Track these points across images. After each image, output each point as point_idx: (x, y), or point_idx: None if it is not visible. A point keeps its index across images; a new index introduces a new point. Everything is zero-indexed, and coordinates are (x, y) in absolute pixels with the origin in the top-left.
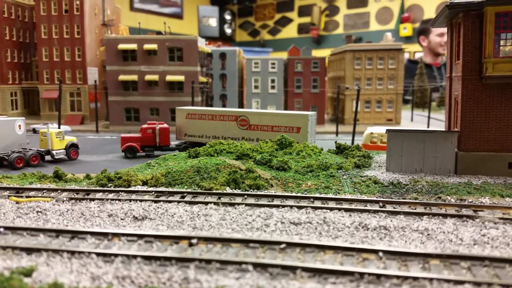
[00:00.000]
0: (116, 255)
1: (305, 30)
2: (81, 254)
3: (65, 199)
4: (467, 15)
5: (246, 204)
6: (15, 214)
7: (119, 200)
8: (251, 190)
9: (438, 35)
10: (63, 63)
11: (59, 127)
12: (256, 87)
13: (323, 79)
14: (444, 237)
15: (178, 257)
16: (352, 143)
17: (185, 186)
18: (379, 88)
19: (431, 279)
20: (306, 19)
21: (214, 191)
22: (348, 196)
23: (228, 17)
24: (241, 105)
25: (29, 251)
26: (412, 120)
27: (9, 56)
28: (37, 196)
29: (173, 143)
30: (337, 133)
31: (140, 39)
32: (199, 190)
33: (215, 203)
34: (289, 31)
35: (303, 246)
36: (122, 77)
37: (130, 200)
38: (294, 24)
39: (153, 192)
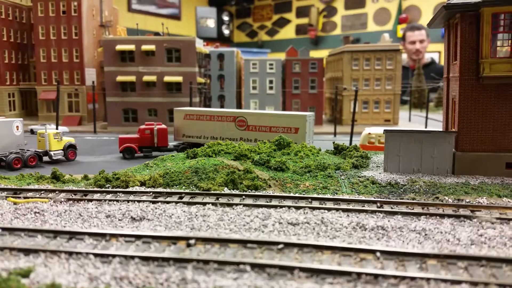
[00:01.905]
0: (114, 256)
1: (303, 31)
2: (79, 255)
3: (63, 200)
4: (464, 15)
5: (244, 205)
6: (12, 215)
7: (117, 201)
8: (249, 190)
9: (410, 43)
10: (61, 64)
11: (57, 128)
12: (254, 87)
13: (321, 80)
14: (441, 237)
15: (176, 258)
16: (350, 143)
17: (183, 187)
18: (376, 89)
19: (428, 279)
20: (304, 20)
21: (212, 192)
22: (346, 197)
23: (226, 18)
24: (239, 106)
25: (26, 252)
26: (410, 120)
27: (6, 57)
28: (35, 197)
29: (171, 143)
30: (335, 133)
31: (138, 40)
32: (197, 191)
33: (213, 204)
34: (287, 32)
35: (301, 246)
36: (120, 78)
37: (128, 201)
38: (292, 25)
39: (151, 193)
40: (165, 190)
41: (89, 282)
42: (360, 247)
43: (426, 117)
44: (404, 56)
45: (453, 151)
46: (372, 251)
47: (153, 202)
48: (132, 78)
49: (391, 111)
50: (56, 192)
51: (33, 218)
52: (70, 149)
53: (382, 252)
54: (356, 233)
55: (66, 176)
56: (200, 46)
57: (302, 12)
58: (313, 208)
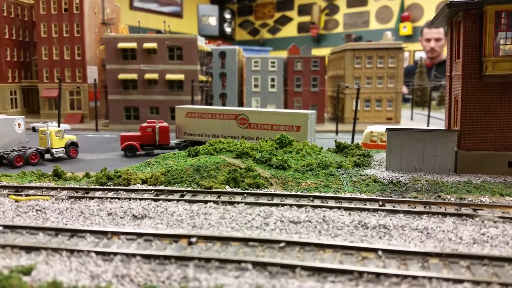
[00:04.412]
0: (115, 254)
1: (305, 29)
2: (80, 252)
3: (64, 197)
4: (467, 14)
5: (246, 203)
6: (14, 212)
7: (119, 198)
8: (251, 188)
9: (426, 41)
10: (62, 62)
11: (58, 126)
12: (256, 86)
13: (323, 78)
14: (443, 236)
15: (177, 256)
16: (352, 142)
17: (185, 185)
18: (379, 87)
19: (430, 278)
20: (306, 18)
21: (214, 190)
22: (348, 195)
23: (227, 16)
24: (241, 104)
25: (28, 249)
26: (412, 119)
27: (8, 55)
28: (37, 195)
29: (173, 141)
30: (337, 132)
31: (140, 37)
32: (198, 189)
33: (214, 202)
34: (289, 30)
35: (303, 244)
36: (121, 76)
37: (130, 199)
38: (294, 23)
39: (152, 191)
40: (166, 188)
41: (91, 280)
42: (362, 245)
43: (428, 116)
44: (406, 55)
45: (456, 150)
46: (374, 250)
47: (155, 200)
48: (134, 76)
49: (393, 109)
50: (58, 189)
51: (34, 216)
52: (71, 146)
53: (384, 250)
54: (358, 232)
55: (68, 174)
56: (202, 44)
57: (304, 10)
58: (315, 207)
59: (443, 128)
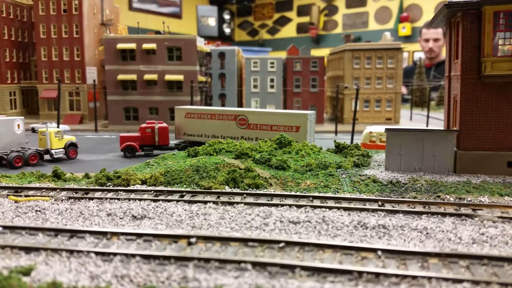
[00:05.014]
0: (115, 254)
1: (304, 30)
2: (80, 253)
3: (64, 198)
4: (466, 14)
5: (245, 203)
6: (14, 213)
7: (118, 199)
8: (250, 189)
9: (424, 41)
10: (62, 63)
11: (58, 127)
12: (255, 86)
13: (322, 79)
14: (443, 236)
15: (177, 256)
16: (351, 142)
17: (184, 185)
18: (378, 88)
19: (429, 278)
20: (305, 19)
21: (213, 190)
22: (347, 195)
23: (227, 16)
24: (240, 105)
25: (27, 250)
26: (411, 119)
27: (7, 56)
28: (36, 195)
29: (172, 142)
30: (336, 132)
31: (139, 38)
32: (198, 189)
33: (214, 202)
34: (288, 31)
35: (302, 245)
36: (121, 77)
37: (129, 199)
38: (293, 23)
39: (152, 191)
40: (166, 188)
41: (90, 280)
42: (362, 245)
43: (428, 116)
44: (405, 55)
45: (455, 150)
46: (374, 250)
47: (154, 201)
48: (133, 76)
49: (392, 110)
50: (57, 190)
51: (34, 217)
52: (71, 147)
53: (384, 250)
54: (357, 232)
55: (67, 175)
56: (201, 44)
57: (303, 10)
58: (314, 207)
59: (442, 128)
